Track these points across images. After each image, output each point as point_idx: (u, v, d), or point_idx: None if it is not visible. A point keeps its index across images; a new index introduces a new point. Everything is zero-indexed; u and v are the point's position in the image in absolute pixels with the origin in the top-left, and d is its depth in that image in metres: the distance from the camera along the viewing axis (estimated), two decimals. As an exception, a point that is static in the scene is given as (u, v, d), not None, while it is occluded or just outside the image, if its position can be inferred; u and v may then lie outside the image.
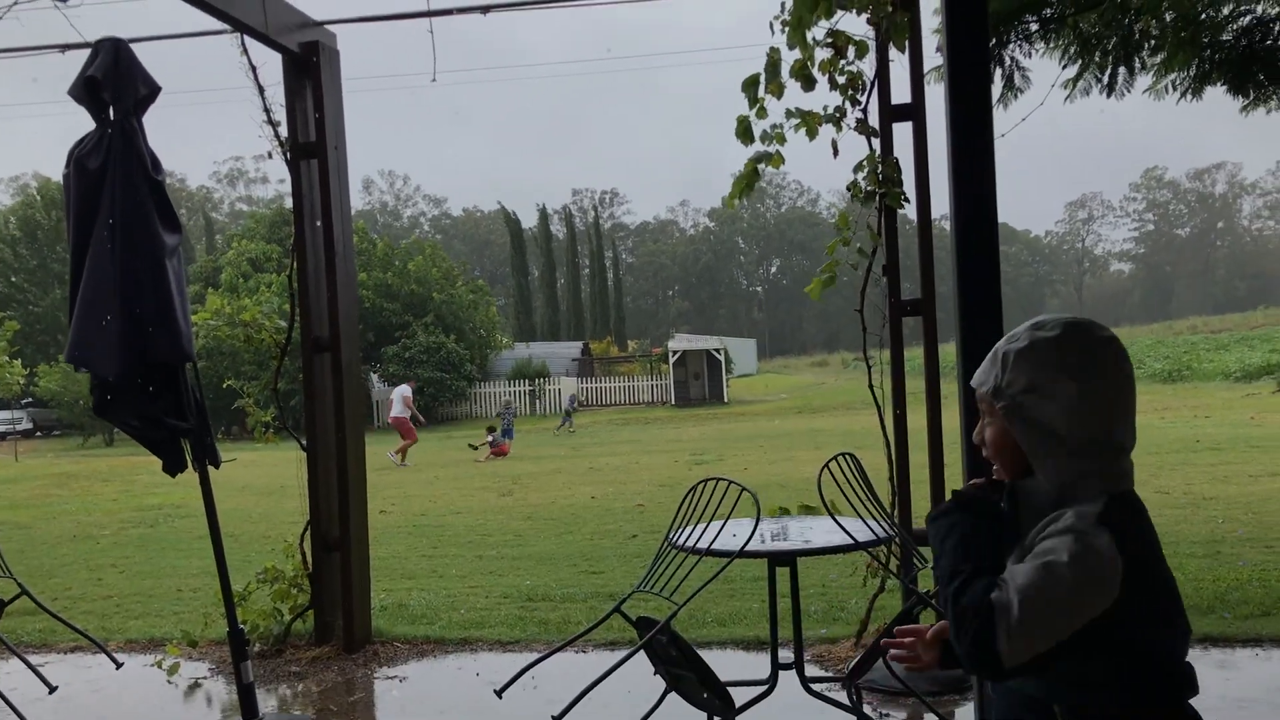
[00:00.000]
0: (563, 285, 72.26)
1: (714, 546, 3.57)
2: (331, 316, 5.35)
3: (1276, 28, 6.38)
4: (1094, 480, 1.60)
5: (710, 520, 3.81)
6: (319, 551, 5.41)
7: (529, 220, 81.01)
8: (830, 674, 4.66)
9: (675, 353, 38.41)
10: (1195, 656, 3.07)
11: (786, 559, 3.77)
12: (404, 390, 20.76)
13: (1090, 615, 1.51)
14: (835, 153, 4.55)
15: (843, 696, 3.97)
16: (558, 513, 11.43)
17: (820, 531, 4.07)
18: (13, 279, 42.34)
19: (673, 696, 3.66)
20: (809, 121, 4.55)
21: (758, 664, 4.93)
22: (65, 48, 5.56)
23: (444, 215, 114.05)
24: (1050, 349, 1.65)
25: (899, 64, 4.60)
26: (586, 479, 15.00)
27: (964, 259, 3.03)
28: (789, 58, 4.51)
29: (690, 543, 3.64)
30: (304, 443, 5.41)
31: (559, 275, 70.13)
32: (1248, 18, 6.40)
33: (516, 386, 36.44)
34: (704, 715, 3.59)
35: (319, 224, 5.33)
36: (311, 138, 5.30)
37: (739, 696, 3.57)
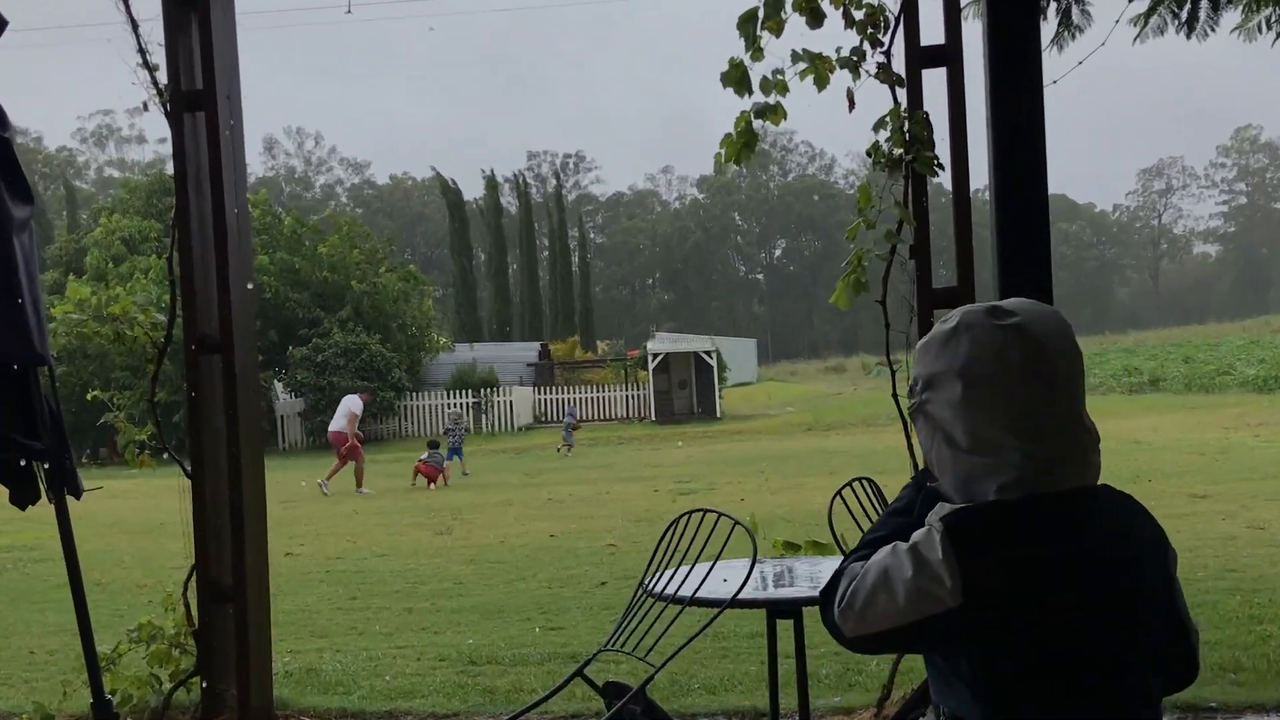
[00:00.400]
0: (515, 271, 72.19)
1: (701, 594, 3.58)
2: (223, 310, 5.32)
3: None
4: (987, 483, 1.78)
5: (696, 561, 3.82)
6: (208, 603, 5.38)
7: (473, 190, 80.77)
8: (845, 752, 4.68)
9: (656, 355, 38.48)
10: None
11: (791, 609, 3.78)
12: (353, 402, 20.62)
13: (915, 617, 1.76)
14: (851, 105, 4.57)
15: (860, 780, 3.99)
16: (508, 554, 11.41)
17: (831, 573, 4.08)
18: None
19: (649, 781, 3.67)
20: (819, 66, 4.57)
21: (756, 740, 4.94)
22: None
23: (366, 184, 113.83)
24: (943, 341, 1.86)
25: (930, -5, 4.64)
26: (544, 512, 14.99)
27: (1007, 238, 3.06)
28: (792, -14, 4.54)
29: (671, 589, 3.65)
30: (188, 468, 5.38)
31: (511, 259, 70.03)
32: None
33: (457, 398, 36.38)
34: (688, 804, 3.60)
35: (207, 194, 5.31)
36: (198, 85, 5.28)
37: (731, 780, 3.59)
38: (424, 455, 20.57)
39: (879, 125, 4.65)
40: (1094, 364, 40.40)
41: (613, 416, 38.38)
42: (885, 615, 1.79)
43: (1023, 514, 1.76)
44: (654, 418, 37.15)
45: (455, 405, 35.72)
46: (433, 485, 19.83)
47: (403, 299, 37.18)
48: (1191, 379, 35.16)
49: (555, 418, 38.13)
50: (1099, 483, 1.87)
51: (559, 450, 27.29)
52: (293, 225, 36.87)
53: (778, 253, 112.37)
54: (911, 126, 4.57)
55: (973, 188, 4.74)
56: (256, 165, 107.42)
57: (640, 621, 3.85)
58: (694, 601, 3.59)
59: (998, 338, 1.80)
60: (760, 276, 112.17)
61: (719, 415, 37.51)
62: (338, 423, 20.18)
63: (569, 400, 38.48)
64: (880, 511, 4.05)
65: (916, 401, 1.91)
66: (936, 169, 4.54)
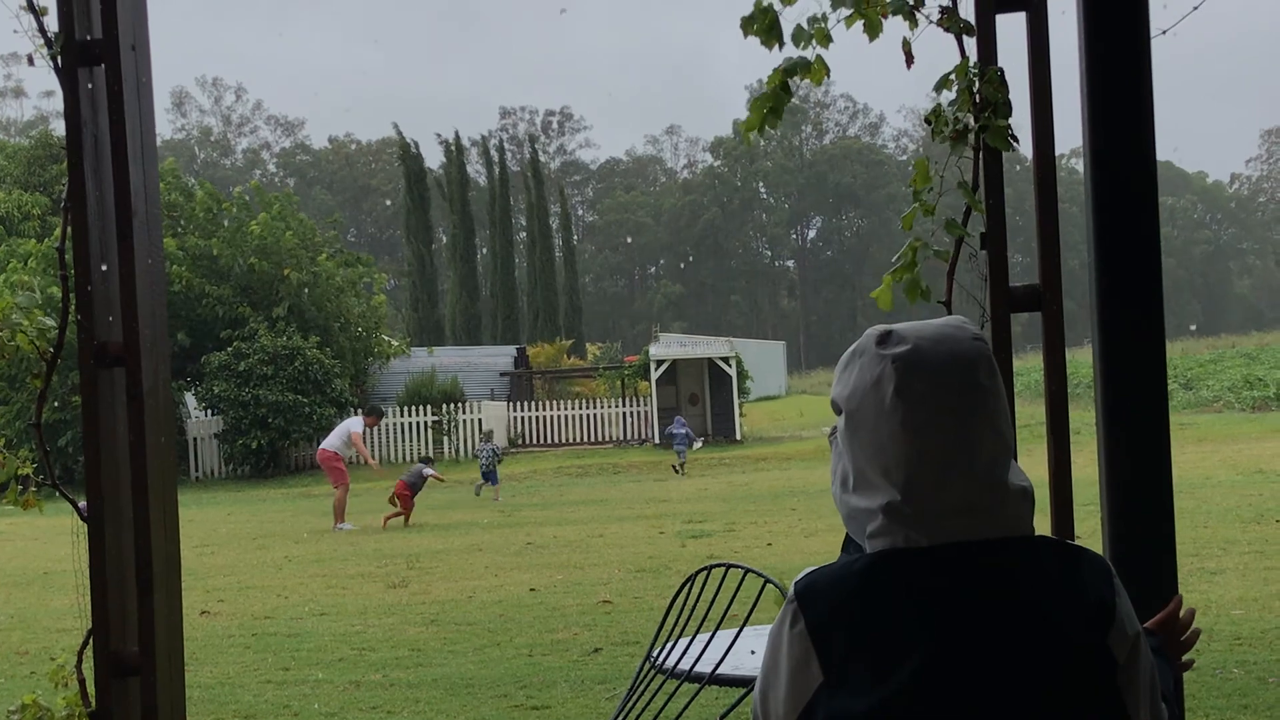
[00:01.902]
0: (485, 257, 72.30)
1: (723, 670, 3.59)
2: (127, 310, 5.32)
3: None
4: (862, 529, 1.92)
5: (718, 627, 3.83)
6: (107, 676, 5.38)
7: (431, 158, 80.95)
8: None
9: (660, 363, 38.53)
10: None
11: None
12: (354, 423, 21.65)
13: (800, 704, 1.87)
14: (909, 60, 4.57)
15: None
16: (477, 613, 11.41)
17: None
18: None
19: None
20: (868, 10, 4.58)
21: None
22: None
23: (299, 148, 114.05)
24: (842, 366, 2.02)
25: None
26: (522, 560, 14.99)
27: (1105, 223, 3.07)
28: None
29: (686, 663, 3.66)
30: (82, 506, 5.39)
31: (479, 242, 70.20)
32: None
33: (413, 416, 36.40)
34: None
35: (108, 168, 5.33)
36: (96, 33, 5.29)
37: None
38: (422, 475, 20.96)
39: (942, 85, 4.66)
40: (1207, 374, 40.44)
41: (606, 439, 38.40)
42: (780, 714, 1.90)
43: (881, 573, 1.86)
44: (658, 441, 37.15)
45: (406, 423, 35.69)
46: (394, 517, 20.17)
47: (346, 293, 37.15)
48: (1330, 393, 35.19)
49: (534, 439, 38.17)
50: (1036, 535, 1.92)
51: (675, 469, 28.95)
52: (206, 201, 36.75)
53: (812, 234, 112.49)
54: (983, 87, 4.58)
55: (1059, 152, 4.77)
56: (163, 126, 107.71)
57: (648, 701, 3.87)
58: (715, 680, 3.60)
59: (877, 367, 1.92)
60: (790, 264, 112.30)
61: (739, 438, 37.53)
62: (330, 440, 21.17)
63: (553, 418, 38.49)
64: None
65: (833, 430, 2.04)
66: (1013, 142, 4.55)
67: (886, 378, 1.89)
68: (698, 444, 29.92)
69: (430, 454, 35.91)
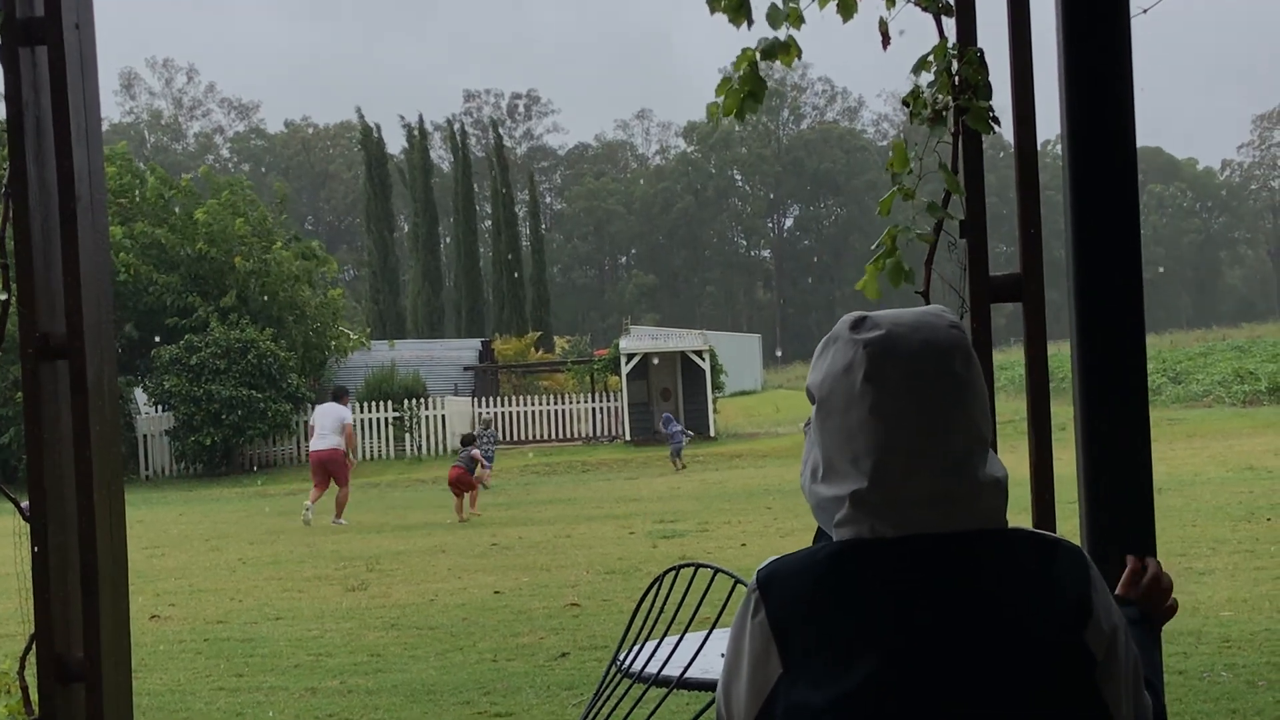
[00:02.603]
0: (449, 246, 72.15)
1: (692, 673, 3.60)
2: (72, 302, 5.30)
3: None
4: (830, 519, 1.94)
5: (687, 629, 3.84)
6: (51, 683, 5.37)
7: (393, 143, 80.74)
8: None
9: (632, 356, 38.55)
10: None
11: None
12: (342, 411, 21.85)
13: (762, 698, 1.88)
14: (885, 41, 4.59)
15: None
16: (440, 617, 11.41)
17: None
18: None
19: None
20: (842, -10, 4.59)
21: None
22: None
23: (254, 132, 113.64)
24: (817, 353, 2.05)
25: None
26: (486, 562, 14.99)
27: (1085, 209, 3.09)
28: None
29: (654, 666, 3.67)
30: (24, 507, 5.37)
31: (443, 230, 70.05)
32: None
33: (373, 412, 36.32)
34: None
35: (50, 151, 5.31)
36: (37, 11, 5.27)
37: None
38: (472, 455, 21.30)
39: (920, 66, 4.68)
40: (1196, 367, 40.63)
41: (575, 436, 38.42)
42: (741, 706, 1.93)
43: (846, 563, 1.88)
44: (628, 437, 37.19)
45: (365, 419, 35.63)
46: (464, 509, 20.68)
47: (303, 281, 37.00)
48: (1324, 387, 35.42)
49: (500, 436, 38.11)
50: (1010, 527, 1.93)
51: (676, 466, 28.97)
52: (158, 187, 36.59)
53: (789, 222, 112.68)
54: (962, 68, 4.60)
55: (1041, 139, 4.79)
56: (111, 109, 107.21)
57: (615, 706, 3.87)
58: (683, 684, 3.61)
59: (850, 353, 1.95)
60: (767, 254, 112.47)
61: (713, 434, 37.58)
62: (330, 439, 21.20)
63: (519, 414, 38.47)
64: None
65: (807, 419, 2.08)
66: (993, 124, 4.57)
67: (858, 363, 1.92)
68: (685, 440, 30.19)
69: (390, 452, 35.88)
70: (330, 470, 21.26)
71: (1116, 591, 2.35)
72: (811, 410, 2.03)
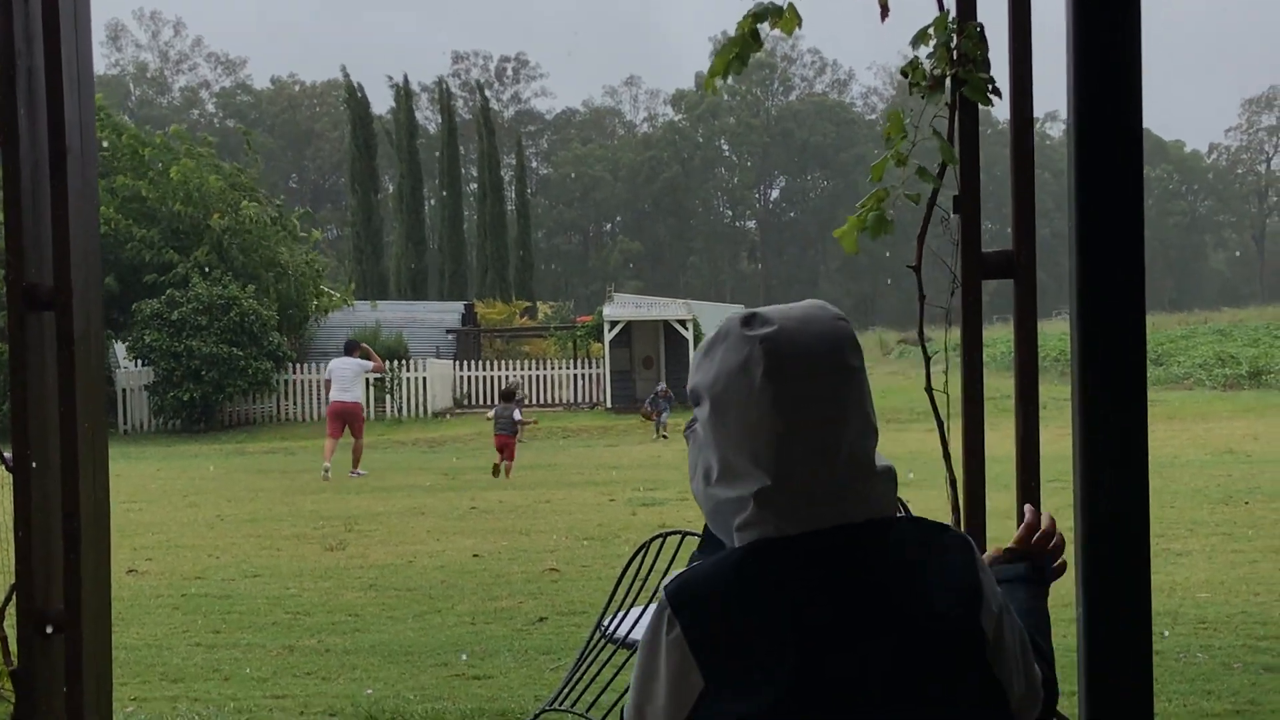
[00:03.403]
0: (433, 209, 71.98)
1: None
2: (59, 253, 5.28)
3: None
4: (730, 522, 1.94)
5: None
6: (30, 634, 5.36)
7: (380, 103, 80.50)
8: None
9: (615, 324, 38.54)
10: None
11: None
12: (358, 364, 22.63)
13: (682, 714, 1.87)
14: (884, 12, 4.57)
15: None
16: (418, 579, 11.41)
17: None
18: None
19: None
20: (843, -40, 4.57)
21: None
22: None
23: (240, 88, 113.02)
24: (703, 352, 2.03)
25: None
26: (466, 525, 14.99)
27: (1088, 185, 3.08)
28: None
29: (636, 634, 3.67)
30: (8, 457, 5.36)
31: (428, 192, 69.83)
32: None
33: (354, 372, 36.24)
34: None
35: (42, 99, 5.27)
36: (30, -42, 5.23)
37: None
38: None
39: (919, 40, 4.67)
40: (1178, 350, 40.75)
41: (557, 401, 38.43)
42: (637, 713, 1.94)
43: (751, 567, 1.88)
44: (610, 404, 37.22)
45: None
46: (502, 465, 21.06)
47: (279, 239, 36.83)
48: (1303, 372, 35.56)
49: (481, 400, 38.12)
50: (898, 515, 1.97)
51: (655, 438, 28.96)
52: (132, 142, 36.28)
53: (775, 194, 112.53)
54: (961, 41, 4.59)
55: (1038, 113, 4.78)
56: (97, 60, 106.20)
57: (596, 672, 3.88)
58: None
59: (744, 350, 1.93)
60: (752, 224, 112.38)
61: (695, 403, 37.64)
62: (352, 391, 22.25)
63: (501, 379, 38.44)
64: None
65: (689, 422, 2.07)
66: (992, 97, 4.56)
67: (755, 360, 1.91)
68: (660, 414, 30.22)
69: (371, 412, 35.85)
70: (348, 421, 21.91)
71: (1010, 544, 2.37)
72: (698, 412, 2.01)
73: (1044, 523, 2.42)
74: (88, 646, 5.36)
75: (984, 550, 2.30)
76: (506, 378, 38.45)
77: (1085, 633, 2.48)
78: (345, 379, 22.22)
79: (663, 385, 32.61)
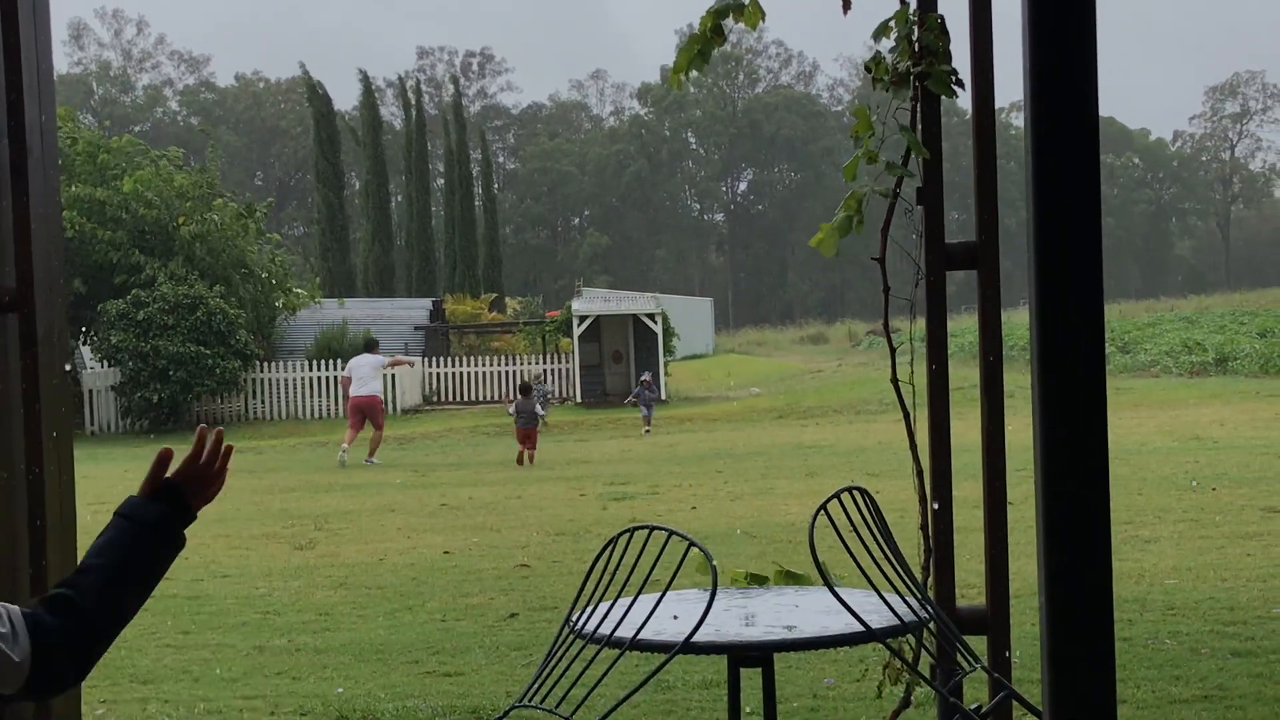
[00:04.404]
0: (400, 205, 71.82)
1: (645, 635, 3.61)
2: (22, 254, 5.25)
3: None
4: None
5: (640, 592, 3.85)
6: (-5, 640, 5.33)
7: (346, 99, 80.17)
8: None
9: (583, 318, 38.51)
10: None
11: (758, 655, 3.82)
12: (376, 359, 24.36)
13: None
14: (846, 6, 4.60)
15: None
16: (389, 576, 11.40)
17: (812, 610, 4.12)
18: None
19: None
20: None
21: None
22: None
23: (204, 85, 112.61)
24: None
25: None
26: (436, 522, 14.98)
27: (1046, 176, 3.10)
28: None
29: (606, 628, 3.68)
30: (-29, 461, 5.33)
31: (394, 189, 69.65)
32: None
33: (322, 370, 36.17)
34: None
35: (2, 97, 5.24)
36: (-12, -42, 5.20)
37: None
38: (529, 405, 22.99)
39: (880, 32, 4.69)
40: (1145, 337, 40.95)
41: (526, 397, 38.38)
42: None
43: None
44: (579, 399, 37.18)
45: (308, 378, 35.45)
46: (525, 456, 22.27)
47: (245, 236, 36.66)
48: (1270, 358, 35.68)
49: (450, 397, 38.06)
50: None
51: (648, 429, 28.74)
52: (88, 148, 35.85)
53: (743, 186, 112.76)
54: (923, 34, 4.61)
55: (999, 104, 4.81)
56: (58, 59, 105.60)
57: (566, 669, 3.88)
58: (636, 645, 3.62)
59: None
60: (720, 218, 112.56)
61: (664, 397, 37.59)
62: (370, 385, 23.72)
63: (470, 375, 38.38)
64: (878, 532, 4.11)
65: None
66: (955, 89, 4.59)
67: None
68: (647, 406, 29.79)
69: (339, 411, 35.71)
70: (369, 415, 23.41)
71: (170, 475, 2.57)
72: None
73: (203, 457, 2.51)
74: (55, 650, 5.33)
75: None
76: (476, 374, 38.41)
77: (1047, 619, 2.49)
78: (364, 374, 23.63)
79: (647, 375, 32.43)
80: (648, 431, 28.38)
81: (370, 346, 25.17)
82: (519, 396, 23.79)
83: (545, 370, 38.66)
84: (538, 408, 23.08)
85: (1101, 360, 3.05)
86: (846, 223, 4.82)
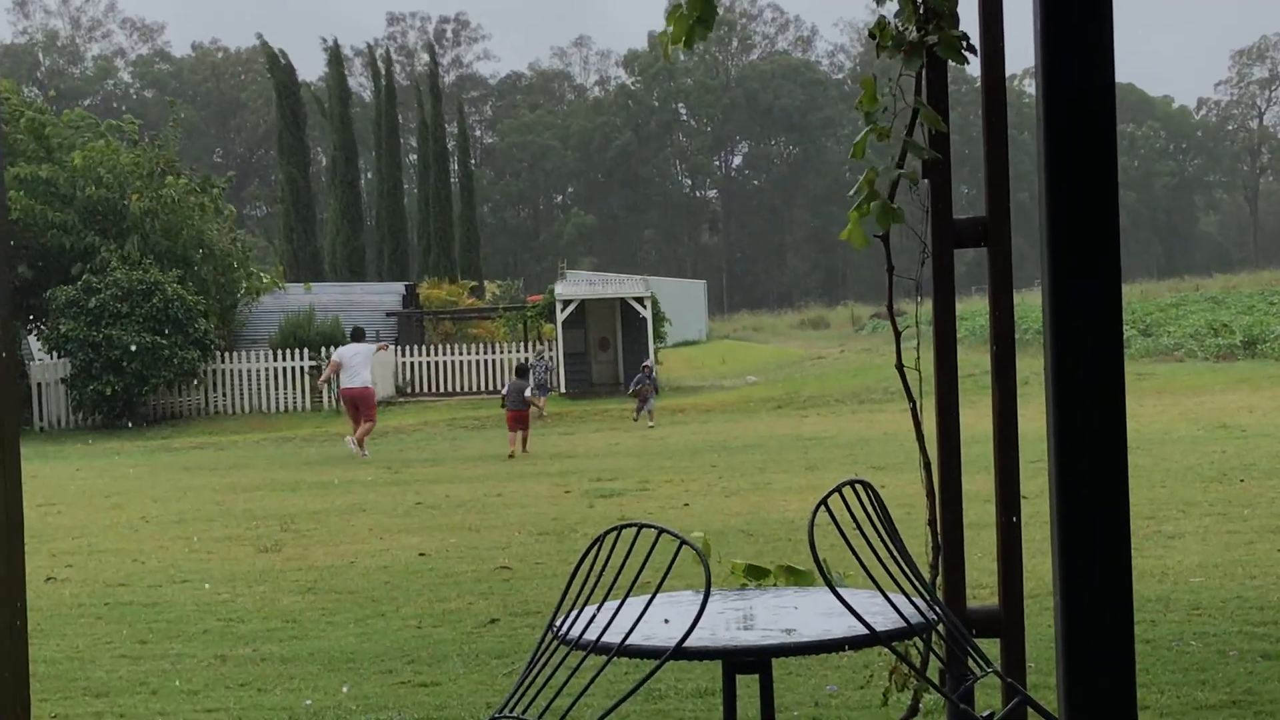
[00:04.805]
0: (370, 182, 71.68)
1: (634, 640, 3.61)
2: (-40, 238, 5.24)
3: None
4: None
5: (628, 594, 3.84)
6: (-62, 651, 5.33)
7: (312, 69, 79.96)
8: None
9: (567, 303, 38.51)
10: None
11: (755, 660, 3.82)
12: (365, 348, 24.81)
13: None
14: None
15: None
16: (360, 581, 11.39)
17: (812, 612, 4.12)
18: None
19: None
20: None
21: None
22: None
23: (158, 56, 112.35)
24: None
25: None
26: (411, 522, 14.97)
27: (1059, 150, 3.11)
28: None
29: (592, 633, 3.67)
30: (-90, 460, 5.32)
31: (364, 165, 69.54)
32: None
33: (287, 360, 36.14)
34: None
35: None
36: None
37: None
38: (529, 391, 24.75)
39: (882, -5, 4.68)
40: (1168, 319, 41.03)
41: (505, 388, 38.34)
42: None
43: None
44: (564, 389, 37.18)
45: (276, 369, 35.40)
46: (517, 442, 23.14)
47: (205, 215, 36.54)
48: (1301, 341, 35.82)
49: (426, 388, 38.06)
50: None
51: (642, 421, 28.65)
52: (33, 123, 35.65)
53: (737, 160, 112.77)
54: (928, -4, 4.60)
55: (1010, 71, 4.80)
56: (2, 28, 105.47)
57: (550, 676, 3.88)
58: (624, 651, 3.62)
59: None
60: (713, 194, 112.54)
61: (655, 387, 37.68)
62: (361, 375, 24.08)
63: (446, 364, 38.34)
64: (883, 528, 4.11)
65: None
66: (966, 55, 4.58)
67: None
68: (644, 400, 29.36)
69: (308, 404, 35.74)
70: (359, 405, 24.01)
71: None
72: None
73: None
74: (2, 661, 5.32)
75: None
76: (453, 363, 38.40)
77: (1063, 620, 2.50)
78: (354, 365, 24.05)
79: (649, 361, 32.37)
80: (651, 426, 28.14)
81: (358, 335, 25.68)
82: (514, 378, 24.77)
83: (527, 359, 38.65)
84: (528, 391, 23.73)
85: (1119, 343, 3.06)
86: (886, 211, 4.74)
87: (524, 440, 23.17)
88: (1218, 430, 20.22)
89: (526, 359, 32.41)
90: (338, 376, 25.04)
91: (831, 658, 7.01)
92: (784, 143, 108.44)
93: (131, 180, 34.97)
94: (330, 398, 35.83)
